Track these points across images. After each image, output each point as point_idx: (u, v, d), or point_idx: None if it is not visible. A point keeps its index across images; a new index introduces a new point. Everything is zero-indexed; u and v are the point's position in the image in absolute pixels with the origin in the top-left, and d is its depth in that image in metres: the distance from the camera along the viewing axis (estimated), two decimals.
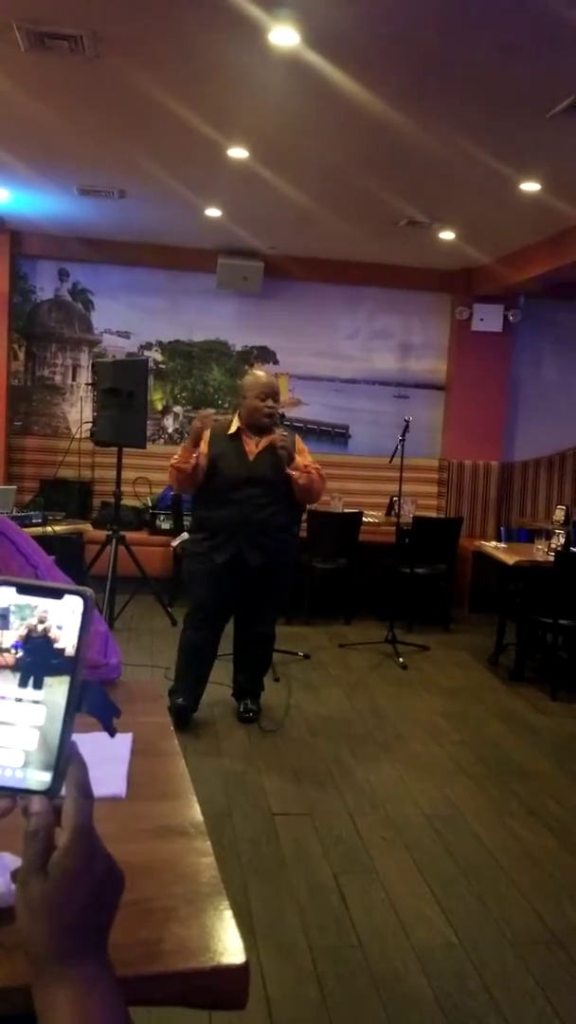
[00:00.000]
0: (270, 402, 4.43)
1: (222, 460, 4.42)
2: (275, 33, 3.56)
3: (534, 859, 3.43)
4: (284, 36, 3.58)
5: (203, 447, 4.45)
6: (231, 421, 4.53)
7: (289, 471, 4.38)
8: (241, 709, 4.77)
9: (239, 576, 4.44)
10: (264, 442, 4.45)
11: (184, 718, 4.54)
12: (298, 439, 4.63)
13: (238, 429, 4.47)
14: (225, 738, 4.50)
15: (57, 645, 0.71)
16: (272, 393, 4.46)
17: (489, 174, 5.21)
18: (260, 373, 4.70)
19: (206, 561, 4.46)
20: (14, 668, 0.71)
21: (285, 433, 4.43)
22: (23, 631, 0.71)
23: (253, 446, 4.45)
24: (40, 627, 0.71)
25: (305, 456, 4.56)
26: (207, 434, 4.47)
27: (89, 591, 0.72)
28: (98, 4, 3.47)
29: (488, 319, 8.29)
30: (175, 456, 4.48)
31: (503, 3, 3.28)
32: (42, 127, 5.00)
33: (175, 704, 4.52)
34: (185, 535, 4.74)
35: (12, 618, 0.71)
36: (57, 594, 0.72)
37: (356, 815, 3.71)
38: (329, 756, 4.36)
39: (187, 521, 7.32)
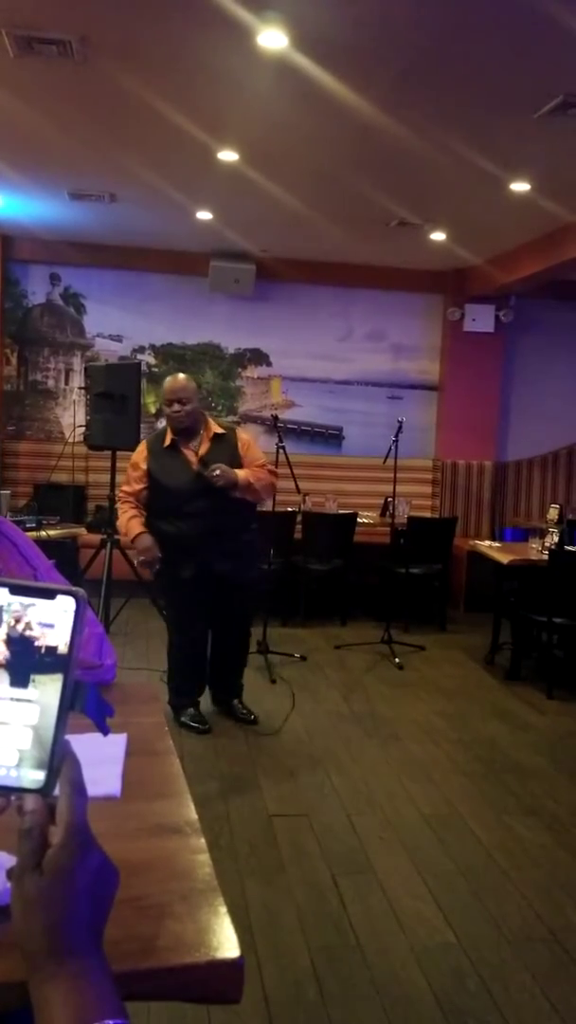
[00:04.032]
0: (176, 406, 4.34)
1: (165, 474, 4.37)
2: (263, 36, 3.57)
3: (531, 857, 3.44)
4: (272, 39, 3.59)
5: (142, 465, 4.42)
6: (165, 432, 4.47)
7: (236, 495, 4.31)
8: (240, 714, 4.75)
9: (209, 586, 4.43)
10: (205, 447, 4.37)
11: (206, 724, 4.58)
12: (241, 434, 4.55)
13: (173, 440, 4.41)
14: (222, 740, 4.50)
15: (47, 643, 0.71)
16: (177, 397, 4.34)
17: (479, 175, 5.22)
18: (169, 377, 4.50)
19: (174, 577, 4.44)
20: (5, 668, 0.71)
21: (218, 472, 4.22)
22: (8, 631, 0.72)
23: (193, 455, 4.38)
24: (17, 626, 0.71)
25: (252, 450, 4.47)
26: (144, 450, 4.44)
27: (81, 591, 0.73)
28: (87, 8, 3.48)
29: (480, 319, 8.32)
30: (132, 504, 4.44)
31: (490, 4, 3.29)
32: (32, 131, 5.01)
33: (196, 717, 4.59)
34: None
35: (5, 615, 0.72)
36: (49, 594, 0.73)
37: (353, 815, 3.72)
38: (326, 757, 4.36)
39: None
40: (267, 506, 4.88)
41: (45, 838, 0.71)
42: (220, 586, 4.45)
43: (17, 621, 0.71)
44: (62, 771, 0.71)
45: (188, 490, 4.32)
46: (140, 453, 4.50)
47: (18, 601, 0.72)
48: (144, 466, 4.44)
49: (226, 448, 4.39)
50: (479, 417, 8.48)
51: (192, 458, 4.37)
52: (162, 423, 8.24)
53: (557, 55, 3.67)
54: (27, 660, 0.71)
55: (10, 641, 0.71)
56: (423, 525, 7.20)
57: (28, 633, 0.71)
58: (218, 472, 4.22)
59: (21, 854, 0.71)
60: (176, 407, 4.34)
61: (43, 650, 0.72)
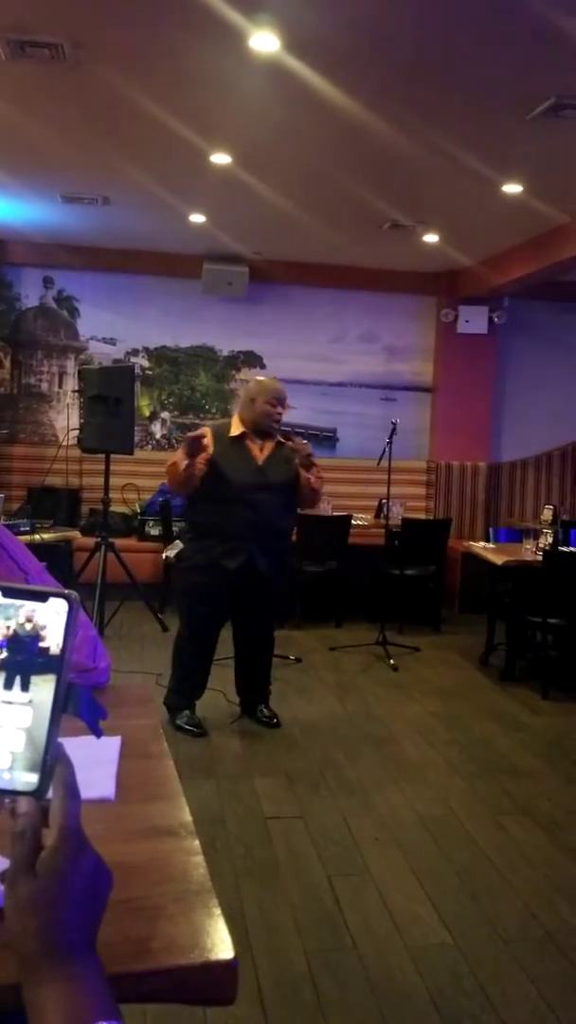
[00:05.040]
0: (280, 408, 4.42)
1: (228, 464, 4.35)
2: (255, 39, 3.58)
3: (526, 857, 3.44)
4: (264, 42, 3.60)
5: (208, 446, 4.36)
6: (230, 424, 4.48)
7: (309, 475, 4.37)
8: (263, 718, 4.76)
9: (246, 583, 4.38)
10: (269, 447, 4.43)
11: (202, 728, 4.58)
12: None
13: (242, 432, 4.43)
14: (217, 742, 4.50)
15: (42, 644, 0.72)
16: (282, 400, 4.44)
17: (471, 176, 5.24)
18: (270, 379, 4.63)
19: (212, 570, 4.36)
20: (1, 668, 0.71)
21: (306, 441, 4.49)
22: (7, 631, 0.72)
23: (258, 451, 4.42)
24: (28, 626, 0.72)
25: None
26: (209, 433, 4.38)
27: (74, 594, 0.73)
28: (78, 12, 3.48)
29: (473, 321, 8.33)
30: (176, 456, 4.35)
31: (482, 6, 3.30)
32: (24, 135, 5.01)
33: (192, 720, 4.58)
34: (179, 543, 4.66)
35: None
36: (42, 597, 0.73)
37: (349, 817, 3.72)
38: (321, 759, 4.36)
39: (175, 528, 7.35)
40: None
41: (38, 841, 0.71)
42: (255, 586, 4.42)
43: (29, 621, 0.72)
44: (55, 774, 0.72)
45: (248, 482, 4.34)
46: (206, 435, 4.44)
47: (11, 603, 0.72)
48: (209, 447, 4.37)
49: (287, 453, 4.44)
50: (473, 418, 8.50)
51: (257, 453, 4.41)
52: (156, 426, 8.31)
53: (549, 57, 3.68)
54: (21, 662, 0.71)
55: (6, 642, 0.72)
56: (417, 526, 7.21)
57: (37, 631, 0.72)
58: (306, 441, 4.43)
59: (14, 857, 0.71)
60: (280, 409, 4.42)
61: (36, 652, 0.72)
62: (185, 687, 4.62)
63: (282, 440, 4.47)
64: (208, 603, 4.49)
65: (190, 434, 4.26)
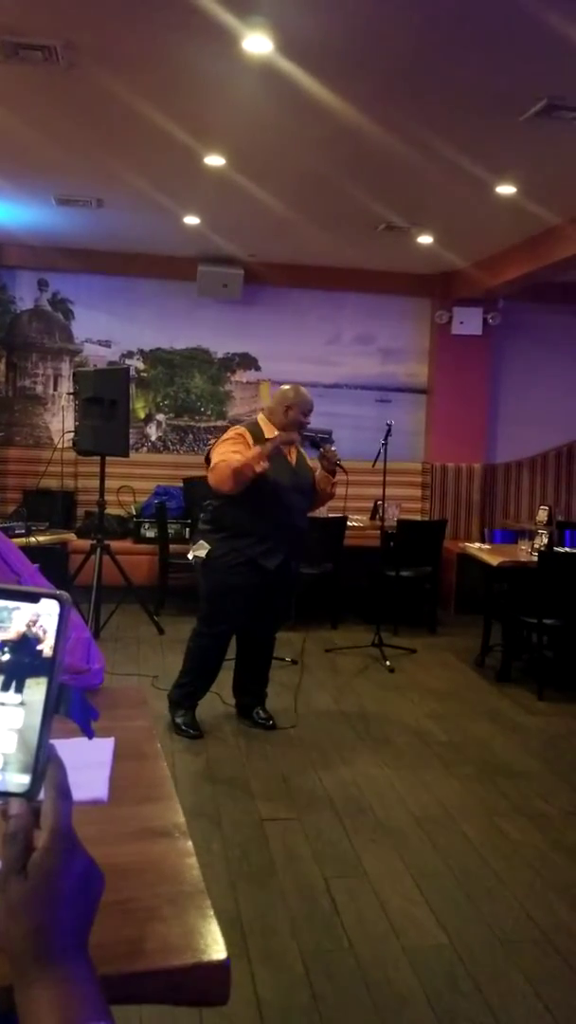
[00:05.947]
0: (309, 417, 4.60)
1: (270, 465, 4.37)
2: (248, 41, 3.58)
3: (523, 858, 3.44)
4: (258, 43, 3.60)
5: (251, 444, 4.34)
6: (259, 426, 4.47)
7: (335, 480, 4.63)
8: (259, 720, 4.77)
9: (278, 584, 4.44)
10: (294, 451, 4.56)
11: (198, 729, 4.58)
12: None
13: (275, 436, 4.46)
14: (213, 745, 4.50)
15: (38, 647, 0.72)
16: (311, 410, 4.60)
17: (465, 178, 5.24)
18: (298, 388, 4.62)
19: (248, 570, 4.36)
20: None
21: (335, 447, 4.77)
22: (9, 633, 0.72)
23: (287, 454, 4.50)
24: (34, 628, 0.72)
25: (313, 461, 4.78)
26: (248, 434, 4.39)
27: (66, 595, 0.73)
28: (71, 14, 3.48)
29: (468, 322, 8.34)
30: (240, 454, 4.23)
31: (475, 8, 3.31)
32: (18, 137, 5.00)
33: (189, 721, 4.58)
34: (204, 543, 4.54)
35: None
36: (34, 598, 0.73)
37: (345, 818, 3.72)
38: (318, 760, 4.36)
39: (170, 530, 7.35)
40: None
41: (30, 842, 0.71)
42: (284, 585, 4.51)
43: (34, 623, 0.72)
44: (47, 775, 0.71)
45: (286, 484, 4.41)
46: (244, 435, 4.39)
47: (4, 605, 0.72)
48: (252, 445, 4.36)
49: (306, 460, 4.69)
50: (468, 420, 8.51)
51: (288, 456, 4.52)
52: (151, 428, 8.30)
53: (542, 58, 3.69)
54: (26, 664, 0.71)
55: (3, 644, 0.71)
56: (413, 528, 7.21)
57: (39, 635, 0.72)
58: (335, 448, 4.75)
59: (5, 858, 0.71)
60: (309, 418, 4.60)
61: (35, 654, 0.72)
62: (196, 686, 4.60)
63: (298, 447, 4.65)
64: (239, 602, 4.47)
65: (282, 437, 4.37)
